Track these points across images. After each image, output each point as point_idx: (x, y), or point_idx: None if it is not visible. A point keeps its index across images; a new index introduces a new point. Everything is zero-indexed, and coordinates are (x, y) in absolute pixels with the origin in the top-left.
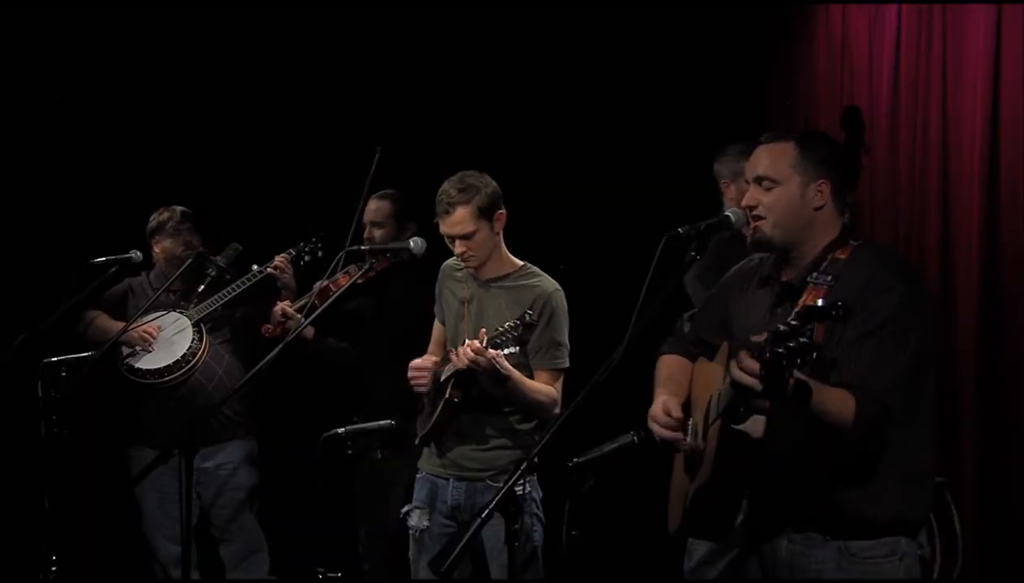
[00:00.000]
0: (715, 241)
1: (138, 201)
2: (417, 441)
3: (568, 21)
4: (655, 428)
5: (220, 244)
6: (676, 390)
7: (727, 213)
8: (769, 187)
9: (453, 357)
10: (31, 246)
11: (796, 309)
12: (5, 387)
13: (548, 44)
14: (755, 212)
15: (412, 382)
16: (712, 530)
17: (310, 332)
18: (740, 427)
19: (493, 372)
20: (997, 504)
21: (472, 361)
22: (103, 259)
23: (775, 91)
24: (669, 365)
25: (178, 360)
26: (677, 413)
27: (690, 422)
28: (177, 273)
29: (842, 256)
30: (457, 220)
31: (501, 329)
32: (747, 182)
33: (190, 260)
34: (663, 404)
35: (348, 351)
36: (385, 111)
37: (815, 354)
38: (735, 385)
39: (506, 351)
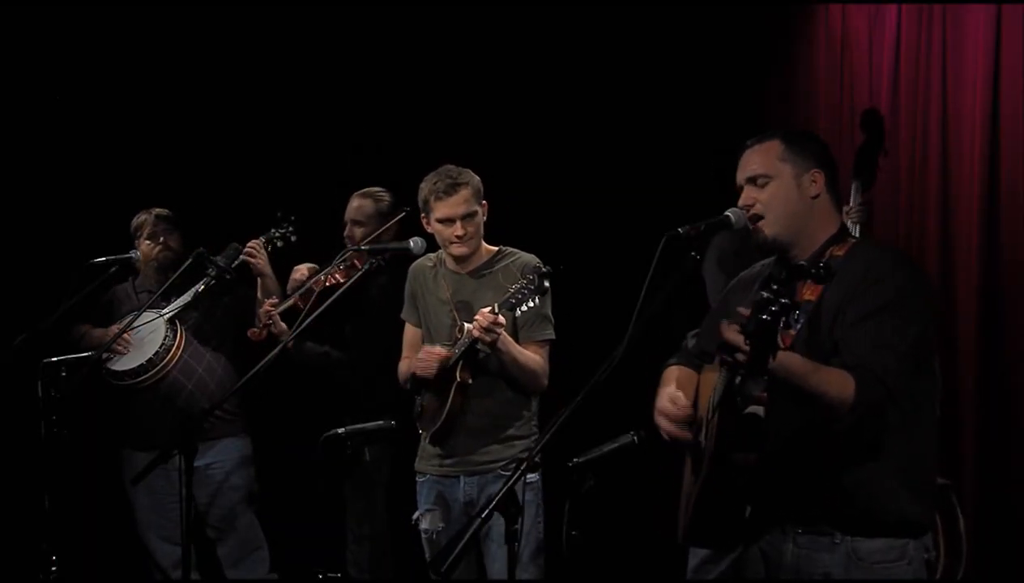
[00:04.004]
0: (735, 232)
1: (138, 201)
2: (428, 440)
3: (567, 21)
4: (663, 422)
5: (220, 243)
6: (683, 391)
7: (727, 213)
8: (763, 183)
9: (472, 328)
10: (31, 246)
11: (775, 275)
12: (5, 387)
13: (548, 44)
14: (753, 211)
15: (419, 367)
16: (716, 534)
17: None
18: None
19: (501, 343)
20: (997, 504)
21: (489, 327)
22: (103, 259)
23: (775, 91)
24: (674, 372)
25: (151, 359)
26: (683, 401)
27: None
28: (177, 273)
29: (840, 253)
30: (461, 200)
31: (512, 289)
32: (739, 187)
33: (190, 260)
34: (669, 395)
35: (329, 355)
36: (376, 110)
37: (797, 312)
38: (723, 360)
39: (523, 308)
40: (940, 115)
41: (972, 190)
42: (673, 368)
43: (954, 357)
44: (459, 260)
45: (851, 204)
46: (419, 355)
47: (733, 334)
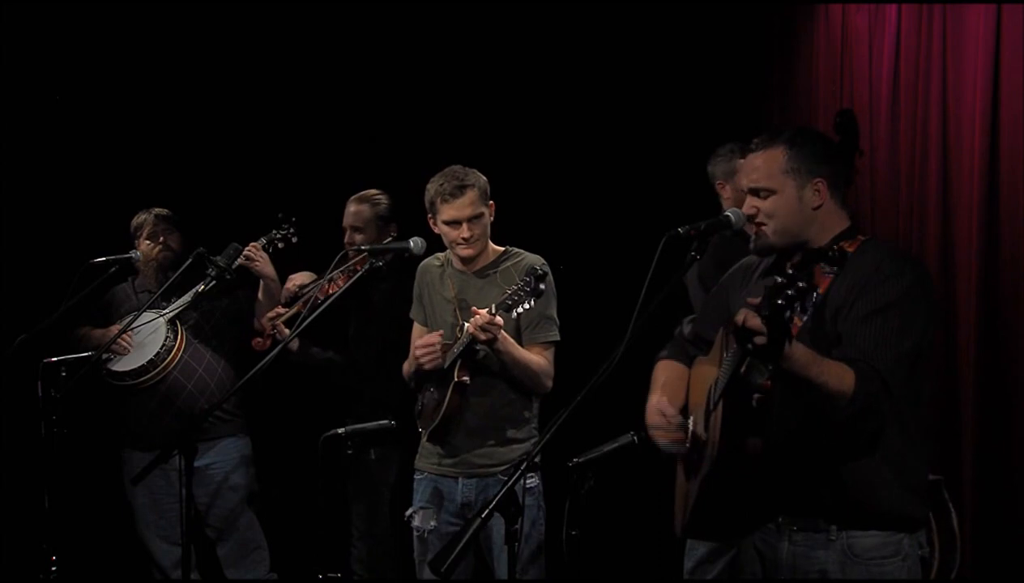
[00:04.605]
0: (715, 240)
1: (138, 201)
2: (425, 438)
3: (568, 21)
4: (654, 434)
5: (220, 244)
6: (672, 394)
7: (727, 213)
8: (767, 196)
9: (468, 325)
10: (31, 246)
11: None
12: (5, 387)
13: (549, 43)
14: (757, 219)
15: (423, 359)
16: (718, 527)
17: (295, 342)
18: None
19: (500, 343)
20: (996, 503)
21: (486, 326)
22: (103, 259)
23: (775, 91)
24: (666, 370)
25: (152, 359)
26: (671, 411)
27: (689, 421)
28: (177, 273)
29: (850, 248)
30: (469, 201)
31: (510, 291)
32: (743, 191)
33: (190, 260)
34: (655, 405)
35: (332, 360)
36: (378, 110)
37: (815, 294)
38: (738, 334)
39: (519, 309)
40: (940, 115)
41: (972, 190)
42: (663, 364)
43: (954, 357)
44: (466, 261)
45: None
46: (417, 350)
47: (752, 318)
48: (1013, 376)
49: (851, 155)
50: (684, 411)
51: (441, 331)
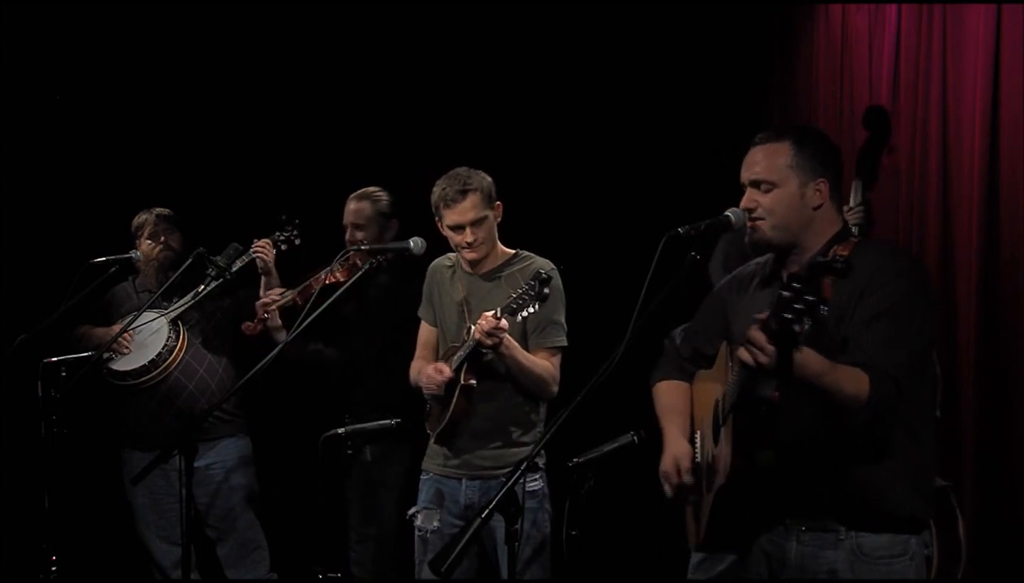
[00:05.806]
0: (741, 234)
1: (138, 201)
2: (432, 440)
3: (568, 21)
4: (665, 486)
5: (220, 244)
6: (680, 421)
7: (727, 213)
8: (768, 190)
9: (475, 331)
10: (32, 246)
11: (795, 272)
12: (5, 387)
13: (548, 43)
14: (755, 214)
15: (425, 386)
16: (733, 537)
17: (284, 335)
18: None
19: (504, 348)
20: (996, 504)
21: (491, 331)
22: (103, 259)
23: (775, 91)
24: (667, 393)
25: (153, 359)
26: (688, 476)
27: (697, 436)
28: (177, 273)
29: (844, 252)
30: (470, 206)
31: (515, 295)
32: (743, 185)
33: (190, 260)
34: (674, 460)
35: (322, 352)
36: (381, 110)
37: (824, 308)
38: (746, 366)
39: (524, 313)
40: (940, 115)
41: (972, 190)
42: (664, 386)
43: (954, 357)
44: (472, 263)
45: (851, 204)
46: (427, 371)
47: (758, 335)
48: (1013, 376)
49: (880, 152)
50: (692, 429)
51: (451, 373)
